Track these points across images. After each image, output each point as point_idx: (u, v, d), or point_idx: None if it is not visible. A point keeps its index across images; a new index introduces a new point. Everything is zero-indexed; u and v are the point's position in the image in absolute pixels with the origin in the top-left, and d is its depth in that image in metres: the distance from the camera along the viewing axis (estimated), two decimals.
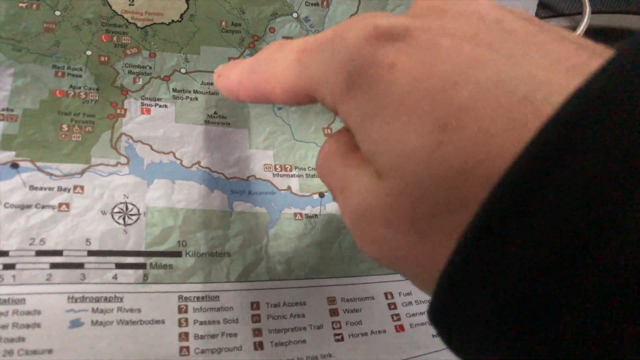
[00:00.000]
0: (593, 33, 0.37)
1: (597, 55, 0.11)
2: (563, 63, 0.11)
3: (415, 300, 0.26)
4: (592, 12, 0.35)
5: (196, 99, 0.27)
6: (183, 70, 0.27)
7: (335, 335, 0.24)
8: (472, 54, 0.12)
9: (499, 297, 0.10)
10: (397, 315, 0.25)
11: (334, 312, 0.24)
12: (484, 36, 0.12)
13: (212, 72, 0.27)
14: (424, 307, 0.25)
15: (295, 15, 0.29)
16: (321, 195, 0.27)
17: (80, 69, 0.25)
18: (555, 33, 0.12)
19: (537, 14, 0.33)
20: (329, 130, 0.28)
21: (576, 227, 0.09)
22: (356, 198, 0.14)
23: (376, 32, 0.13)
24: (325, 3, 0.29)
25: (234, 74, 0.19)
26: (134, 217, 0.23)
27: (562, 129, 0.09)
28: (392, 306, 0.25)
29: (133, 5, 0.27)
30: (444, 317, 0.11)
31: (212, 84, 0.27)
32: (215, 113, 0.27)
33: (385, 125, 0.12)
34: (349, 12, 0.29)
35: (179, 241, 0.23)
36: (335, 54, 0.14)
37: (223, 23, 0.28)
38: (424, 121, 0.11)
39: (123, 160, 0.24)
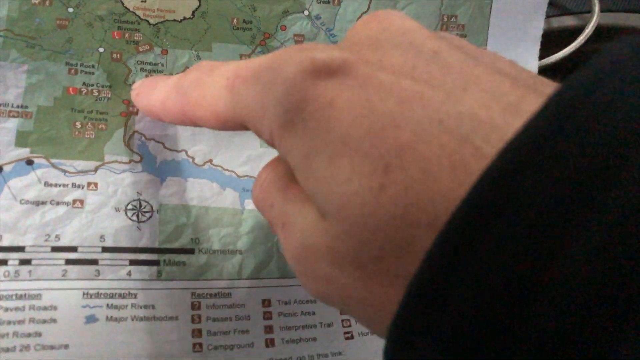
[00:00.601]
0: (602, 31, 0.37)
1: (532, 91, 0.11)
2: (500, 100, 0.11)
3: None
4: (602, 11, 0.35)
5: None
6: None
7: (345, 333, 0.24)
8: (412, 91, 0.12)
9: (445, 346, 0.10)
10: None
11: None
12: (422, 70, 0.12)
13: None
14: None
15: (306, 12, 0.29)
16: None
17: (93, 66, 0.25)
18: (490, 66, 0.12)
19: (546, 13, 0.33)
20: None
21: (510, 281, 0.09)
22: (299, 235, 0.13)
23: (313, 66, 0.12)
24: (336, 1, 0.29)
25: (156, 94, 0.18)
26: (148, 214, 0.23)
27: (499, 180, 0.09)
28: None
29: (145, 2, 0.27)
30: None
31: None
32: None
33: (327, 166, 0.12)
34: (360, 11, 0.29)
35: (192, 238, 0.24)
36: (272, 87, 0.13)
37: (234, 20, 0.28)
38: (365, 162, 0.11)
39: (136, 157, 0.24)
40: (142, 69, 0.26)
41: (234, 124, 0.15)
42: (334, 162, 0.12)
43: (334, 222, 0.12)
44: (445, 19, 0.30)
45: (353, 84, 0.12)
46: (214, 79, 0.15)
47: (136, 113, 0.25)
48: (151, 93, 0.19)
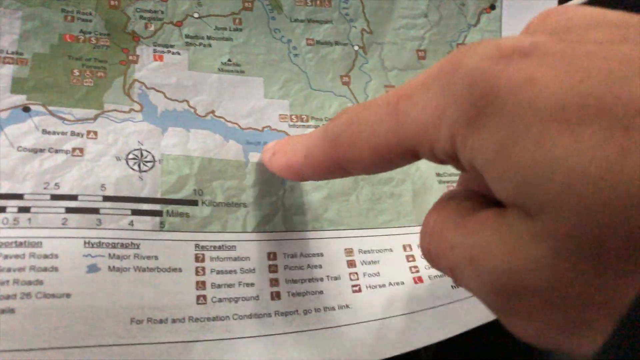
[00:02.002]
0: None
1: None
2: None
3: None
4: None
5: (209, 45, 0.26)
6: (196, 15, 0.26)
7: (353, 286, 0.23)
8: (627, 49, 0.10)
9: None
10: (416, 267, 0.25)
11: (351, 264, 0.24)
12: (635, 37, 0.10)
13: (226, 16, 0.26)
14: None
15: None
16: None
17: (90, 14, 0.24)
18: None
19: None
20: (347, 78, 0.27)
21: None
22: (496, 261, 0.11)
23: (501, 51, 0.11)
24: None
25: (297, 149, 0.17)
26: (149, 164, 0.23)
27: None
28: (410, 258, 0.25)
29: None
30: None
31: (226, 29, 0.26)
32: (229, 60, 0.26)
33: (538, 146, 0.10)
34: None
35: (194, 190, 0.23)
36: (450, 87, 0.12)
37: None
38: (594, 129, 0.09)
39: (136, 107, 0.23)
40: (141, 17, 0.25)
41: (396, 154, 0.13)
42: (546, 140, 0.10)
43: (556, 216, 0.10)
44: None
45: (554, 59, 0.10)
46: (370, 112, 0.14)
47: (136, 61, 0.24)
48: (289, 150, 0.18)
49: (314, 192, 0.25)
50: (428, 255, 0.14)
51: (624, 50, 0.10)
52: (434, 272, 0.25)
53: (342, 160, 0.15)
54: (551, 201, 0.10)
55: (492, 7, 0.30)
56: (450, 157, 0.12)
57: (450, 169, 0.27)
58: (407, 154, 0.13)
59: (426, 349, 0.31)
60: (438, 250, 0.13)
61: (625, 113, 0.09)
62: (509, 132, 0.10)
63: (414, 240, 0.25)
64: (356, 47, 0.28)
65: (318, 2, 0.28)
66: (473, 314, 0.23)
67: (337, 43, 0.28)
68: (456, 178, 0.27)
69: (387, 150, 0.14)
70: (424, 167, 0.27)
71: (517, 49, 0.11)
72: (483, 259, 0.11)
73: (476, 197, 0.13)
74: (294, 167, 0.18)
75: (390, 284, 0.24)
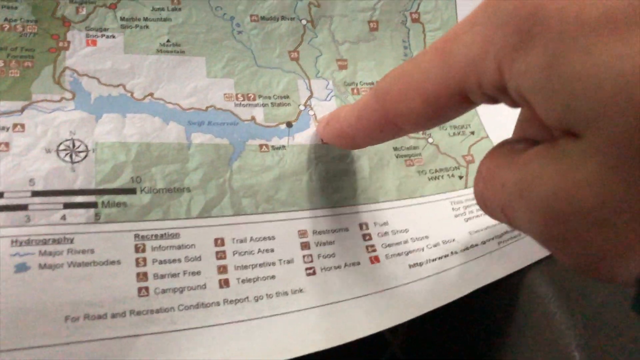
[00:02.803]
0: None
1: None
2: None
3: (392, 230, 0.24)
4: None
5: (147, 27, 0.24)
6: None
7: (307, 269, 0.22)
8: None
9: None
10: (372, 246, 0.23)
11: (305, 246, 0.23)
12: None
13: None
14: (401, 237, 0.24)
15: None
16: (289, 124, 0.25)
17: (16, 0, 0.23)
18: None
19: None
20: (295, 53, 0.26)
21: None
22: (547, 186, 0.11)
23: None
24: None
25: (348, 112, 0.17)
26: (82, 154, 0.21)
27: None
28: (367, 237, 0.24)
29: None
30: None
31: (163, 9, 0.25)
32: (168, 41, 0.25)
33: (586, 57, 0.10)
34: None
35: (132, 177, 0.22)
36: (493, 19, 0.12)
37: None
38: None
39: (68, 95, 0.22)
40: (71, 1, 0.24)
41: (447, 98, 0.13)
42: (595, 49, 0.10)
43: (607, 127, 0.09)
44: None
45: None
46: (418, 62, 0.14)
47: (67, 48, 0.23)
48: (343, 114, 0.18)
49: (265, 173, 0.24)
50: (481, 199, 0.14)
51: None
52: (391, 250, 0.23)
53: (393, 116, 0.15)
54: (600, 111, 0.09)
55: None
56: (499, 90, 0.12)
57: (408, 142, 0.26)
58: (457, 97, 0.13)
59: (393, 333, 0.29)
60: (489, 192, 0.13)
61: None
62: (555, 48, 0.10)
63: (371, 218, 0.24)
64: (304, 22, 0.27)
65: None
66: (429, 296, 0.22)
67: (283, 18, 0.26)
68: (414, 152, 0.26)
69: (438, 96, 0.13)
70: None
71: None
72: (533, 188, 0.11)
73: (529, 141, 0.13)
74: (347, 132, 0.18)
75: (346, 265, 0.23)
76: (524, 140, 0.14)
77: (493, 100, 0.13)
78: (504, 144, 0.14)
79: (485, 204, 0.14)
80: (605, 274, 0.11)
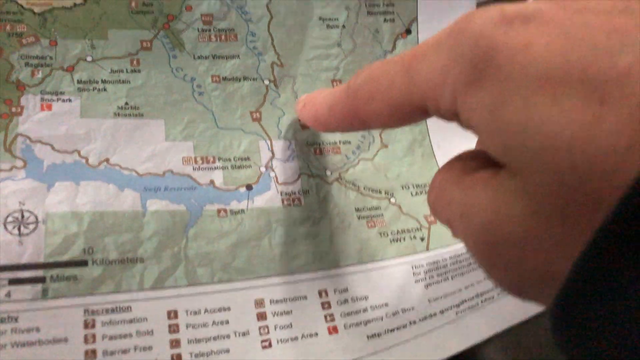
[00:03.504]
0: None
1: None
2: None
3: (352, 297, 0.24)
4: None
5: (104, 89, 0.24)
6: (89, 59, 0.24)
7: (263, 342, 0.22)
8: (627, 23, 0.10)
9: None
10: (331, 315, 0.23)
11: (261, 316, 0.22)
12: (630, 6, 0.11)
13: (122, 57, 0.25)
14: (361, 305, 0.23)
15: None
16: (248, 187, 0.25)
17: None
18: None
19: None
20: (257, 114, 0.26)
21: None
22: (483, 216, 0.12)
23: (504, 16, 0.12)
24: None
25: (324, 100, 0.18)
26: (31, 226, 0.21)
27: None
28: (325, 305, 0.23)
29: None
30: (572, 316, 0.10)
31: (122, 71, 0.25)
32: (126, 104, 0.24)
33: (525, 109, 0.11)
34: None
35: (84, 249, 0.21)
36: (456, 48, 0.12)
37: (133, 3, 0.25)
38: (574, 96, 0.10)
39: (19, 163, 0.22)
40: (27, 64, 0.24)
41: (407, 111, 0.15)
42: (532, 103, 0.11)
43: (534, 175, 0.11)
44: None
45: (551, 27, 0.11)
46: (387, 69, 0.15)
47: (20, 113, 0.23)
48: (317, 102, 0.19)
49: (222, 239, 0.23)
50: (432, 209, 0.15)
51: (619, 22, 0.10)
52: (350, 320, 0.23)
53: (361, 114, 0.16)
54: (530, 161, 0.11)
55: (408, 32, 0.29)
56: (454, 115, 0.13)
57: (369, 202, 0.26)
58: (418, 110, 0.14)
59: None
60: (439, 205, 0.15)
61: (604, 84, 0.10)
62: (502, 94, 0.11)
63: (330, 284, 0.24)
64: (267, 82, 0.27)
65: (223, 37, 0.26)
66: None
67: (245, 78, 0.26)
68: (376, 212, 0.26)
69: (401, 105, 0.15)
70: (343, 203, 0.26)
71: (520, 14, 0.11)
72: (472, 213, 0.12)
73: (482, 158, 0.14)
74: (321, 118, 0.19)
75: (303, 336, 0.22)
76: (479, 156, 0.14)
77: (450, 120, 0.14)
78: (461, 158, 0.15)
79: (435, 214, 0.15)
80: (528, 298, 0.12)
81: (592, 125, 0.10)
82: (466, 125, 0.13)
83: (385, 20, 0.28)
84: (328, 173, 0.26)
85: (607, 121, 0.09)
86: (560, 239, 0.10)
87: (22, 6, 0.24)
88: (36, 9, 0.24)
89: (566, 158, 0.10)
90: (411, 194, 0.27)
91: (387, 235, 0.26)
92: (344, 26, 0.28)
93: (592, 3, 0.11)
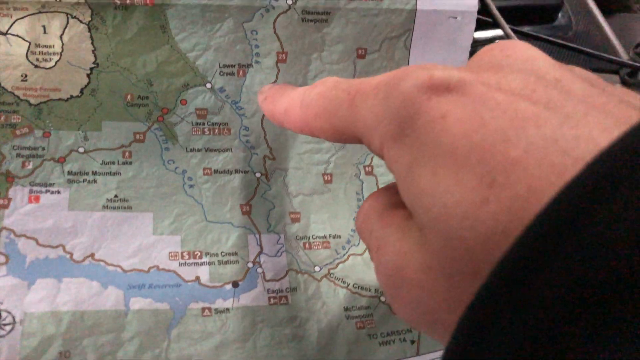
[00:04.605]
0: None
1: None
2: (624, 127, 0.10)
3: None
4: None
5: (94, 181, 0.24)
6: (81, 150, 0.24)
7: None
8: (527, 111, 0.11)
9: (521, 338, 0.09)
10: None
11: None
12: (542, 94, 0.12)
13: (114, 149, 0.25)
14: None
15: (209, 85, 0.27)
16: (235, 284, 0.24)
17: None
18: (618, 97, 0.12)
19: None
20: (247, 207, 0.26)
21: (590, 284, 0.09)
22: (392, 256, 0.13)
23: (431, 82, 0.13)
24: (241, 72, 0.27)
25: (282, 103, 0.20)
26: (8, 327, 0.20)
27: (585, 190, 0.09)
28: None
29: (26, 81, 0.24)
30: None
31: (114, 163, 0.25)
32: (115, 196, 0.24)
33: (432, 176, 0.12)
34: (267, 81, 0.27)
35: (60, 352, 0.20)
36: (389, 100, 0.14)
37: (128, 96, 0.26)
38: (471, 175, 0.11)
39: (1, 259, 0.21)
40: (18, 155, 0.24)
41: (348, 137, 0.16)
42: (438, 173, 0.12)
43: (432, 235, 0.12)
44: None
45: (467, 101, 0.12)
46: (336, 94, 0.16)
47: (7, 206, 0.23)
48: (278, 100, 0.20)
49: (205, 341, 0.22)
50: (358, 231, 0.17)
51: (522, 108, 0.11)
52: None
53: (310, 126, 0.17)
54: (431, 223, 0.12)
55: None
56: (380, 156, 0.14)
57: (359, 301, 0.26)
58: (357, 139, 0.16)
59: None
60: (363, 231, 0.16)
61: (494, 170, 0.11)
62: (417, 157, 0.12)
63: None
64: (258, 174, 0.27)
65: (216, 130, 0.27)
66: None
67: (237, 171, 0.27)
68: (366, 312, 0.26)
69: (343, 130, 0.16)
70: (331, 302, 0.25)
71: (445, 83, 0.13)
72: (385, 251, 0.14)
73: None
74: (278, 117, 0.20)
75: None
76: None
77: (380, 158, 0.15)
78: (388, 189, 0.16)
79: (360, 237, 0.17)
80: (425, 333, 0.14)
81: (479, 207, 0.11)
82: (389, 169, 0.14)
83: None
84: (317, 269, 0.26)
85: (491, 205, 0.11)
86: (447, 296, 0.12)
87: (18, 97, 0.24)
88: (32, 101, 0.24)
89: (457, 230, 0.11)
90: None
91: (377, 337, 0.25)
92: None
93: (511, 78, 0.13)
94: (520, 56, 0.14)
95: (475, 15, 0.28)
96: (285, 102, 0.19)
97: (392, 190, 0.16)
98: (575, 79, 0.13)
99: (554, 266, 0.09)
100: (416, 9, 0.27)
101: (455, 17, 0.27)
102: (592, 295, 0.09)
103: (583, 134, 0.11)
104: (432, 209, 0.12)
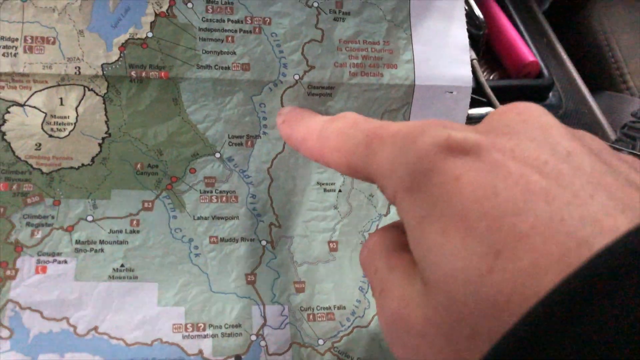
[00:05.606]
0: None
1: None
2: (627, 211, 0.11)
3: None
4: None
5: (102, 250, 0.24)
6: (90, 218, 0.25)
7: None
8: (539, 185, 0.12)
9: None
10: None
11: None
12: (553, 167, 0.12)
13: (122, 218, 0.25)
14: None
15: (218, 155, 0.27)
16: (237, 358, 0.24)
17: None
18: (624, 176, 0.12)
19: None
20: (252, 276, 0.26)
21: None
22: (395, 303, 0.14)
23: (448, 142, 0.13)
24: (249, 143, 0.27)
25: (300, 130, 0.20)
26: None
27: (590, 279, 0.10)
28: None
29: (40, 150, 0.25)
30: None
31: (121, 231, 0.25)
32: (122, 266, 0.24)
33: (441, 235, 0.12)
34: (274, 152, 0.28)
35: None
36: (406, 152, 0.14)
37: (138, 165, 0.26)
38: (479, 243, 0.11)
39: (5, 333, 0.21)
40: (28, 224, 0.24)
41: (361, 175, 0.16)
42: (447, 234, 0.12)
43: (436, 292, 0.12)
44: None
45: (482, 167, 0.12)
46: (355, 133, 0.17)
47: (14, 277, 0.23)
48: (296, 125, 0.21)
49: None
50: (361, 264, 0.17)
51: (533, 181, 0.12)
52: None
53: (326, 157, 0.18)
54: (436, 281, 0.12)
55: None
56: (391, 203, 0.15)
57: None
58: (369, 180, 0.16)
59: None
60: (368, 268, 0.16)
61: (502, 241, 0.11)
62: (428, 214, 0.13)
63: None
64: (264, 242, 0.27)
65: (224, 198, 0.27)
66: None
67: (243, 239, 0.27)
68: None
69: (357, 169, 0.16)
70: None
71: (462, 145, 0.13)
72: (388, 294, 0.14)
73: None
74: (293, 142, 0.21)
75: None
76: None
77: (390, 202, 0.16)
78: (396, 226, 0.16)
79: (364, 271, 0.17)
80: None
81: (484, 275, 0.11)
82: (400, 217, 0.14)
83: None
84: (320, 342, 0.26)
85: (495, 275, 0.11)
86: (445, 350, 0.12)
87: (31, 166, 0.25)
88: (45, 169, 0.25)
89: (461, 294, 0.11)
90: None
91: None
92: (340, 190, 0.28)
93: (525, 146, 0.13)
94: (535, 122, 0.14)
95: (470, 90, 0.29)
96: (304, 129, 0.20)
97: (399, 230, 0.16)
98: (586, 154, 0.13)
99: (555, 346, 0.09)
100: (414, 85, 0.28)
101: (452, 92, 0.29)
102: None
103: (588, 216, 0.11)
104: (438, 268, 0.12)
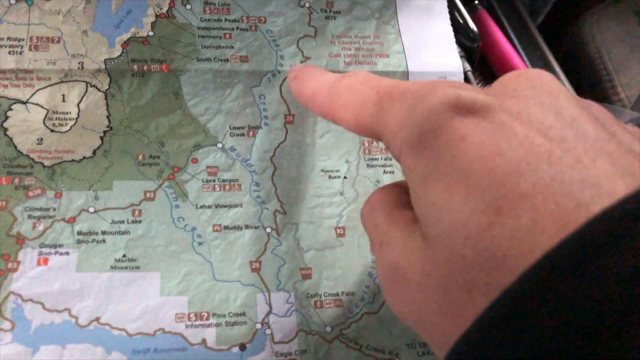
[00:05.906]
0: None
1: None
2: (626, 177, 0.11)
3: None
4: None
5: (103, 241, 0.24)
6: (92, 209, 0.25)
7: None
8: (543, 147, 0.12)
9: None
10: None
11: None
12: (558, 132, 0.12)
13: (124, 208, 0.25)
14: None
15: (220, 145, 0.27)
16: (242, 347, 0.23)
17: None
18: (626, 145, 0.12)
19: None
20: (257, 263, 0.25)
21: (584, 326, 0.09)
22: (394, 255, 0.14)
23: (457, 102, 0.13)
24: (251, 133, 0.27)
25: (312, 85, 0.20)
26: None
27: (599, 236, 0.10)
28: None
29: (42, 144, 0.25)
30: None
31: (123, 222, 0.25)
32: (124, 256, 0.24)
33: (444, 192, 0.12)
34: (276, 141, 0.27)
35: None
36: (414, 110, 0.14)
37: (140, 156, 0.26)
38: (480, 199, 0.12)
39: (7, 325, 0.21)
40: (30, 216, 0.24)
41: (369, 133, 0.16)
42: (451, 190, 0.12)
43: (436, 246, 0.12)
44: None
45: (488, 127, 0.13)
46: (365, 90, 0.17)
47: (16, 269, 0.23)
48: (307, 81, 0.21)
49: None
50: (362, 220, 0.17)
51: (537, 143, 0.12)
52: None
53: (334, 113, 0.18)
54: (436, 236, 0.13)
55: None
56: (397, 160, 0.15)
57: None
58: (377, 136, 0.16)
59: None
60: (368, 222, 0.16)
61: (503, 199, 0.11)
62: (433, 170, 0.13)
63: None
64: (269, 229, 0.26)
65: (227, 187, 0.27)
66: None
67: (247, 227, 0.26)
68: None
69: (365, 126, 0.16)
70: None
71: (470, 105, 0.13)
72: (388, 249, 0.14)
73: None
74: (303, 96, 0.21)
75: None
76: None
77: (396, 159, 0.15)
78: (399, 185, 0.17)
79: (363, 225, 0.17)
80: (413, 327, 0.14)
81: (485, 230, 0.11)
82: (404, 175, 0.15)
83: (385, 172, 0.28)
84: (328, 329, 0.25)
85: (495, 230, 0.11)
86: (441, 303, 0.12)
87: (33, 160, 0.25)
88: (46, 162, 0.25)
89: (460, 248, 0.12)
90: (417, 354, 0.25)
91: None
92: (345, 177, 0.28)
93: (532, 109, 0.13)
94: (545, 88, 0.14)
95: (462, 75, 0.31)
96: (314, 85, 0.20)
97: (401, 189, 0.16)
98: (591, 121, 0.13)
99: (552, 303, 0.10)
100: (408, 71, 0.29)
101: (445, 77, 0.29)
102: (586, 336, 0.09)
103: (589, 180, 0.11)
104: (439, 223, 0.12)
